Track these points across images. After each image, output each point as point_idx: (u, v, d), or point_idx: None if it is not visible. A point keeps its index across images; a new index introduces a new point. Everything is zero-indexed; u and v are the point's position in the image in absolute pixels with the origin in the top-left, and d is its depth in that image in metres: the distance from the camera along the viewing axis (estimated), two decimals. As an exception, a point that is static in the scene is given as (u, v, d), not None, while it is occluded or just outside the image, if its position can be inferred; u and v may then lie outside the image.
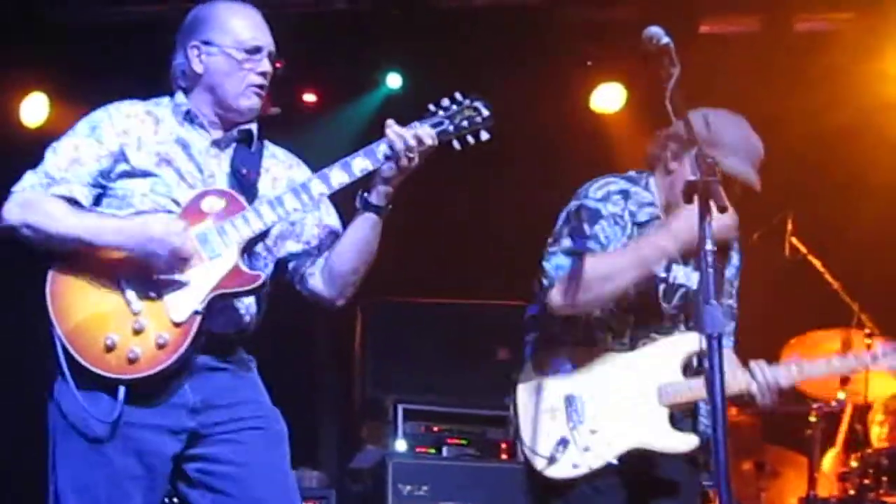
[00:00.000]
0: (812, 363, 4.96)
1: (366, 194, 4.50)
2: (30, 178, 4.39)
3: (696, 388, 4.88)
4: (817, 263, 7.41)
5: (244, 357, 4.55)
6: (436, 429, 8.07)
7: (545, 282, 4.91)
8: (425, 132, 4.39)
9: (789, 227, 7.18)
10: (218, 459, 4.38)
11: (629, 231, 4.96)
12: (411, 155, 4.38)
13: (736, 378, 4.84)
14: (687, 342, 4.97)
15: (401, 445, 7.96)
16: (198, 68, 4.53)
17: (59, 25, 9.13)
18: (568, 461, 4.90)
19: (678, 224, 4.72)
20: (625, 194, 5.00)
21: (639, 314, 5.01)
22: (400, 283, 8.98)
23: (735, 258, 5.14)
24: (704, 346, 4.63)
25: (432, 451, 7.99)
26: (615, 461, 4.88)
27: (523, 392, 5.07)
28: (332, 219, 4.71)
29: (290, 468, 4.53)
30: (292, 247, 4.66)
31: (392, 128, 4.39)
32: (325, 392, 9.84)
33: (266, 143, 4.69)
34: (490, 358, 7.86)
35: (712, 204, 3.93)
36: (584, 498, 4.91)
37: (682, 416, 4.99)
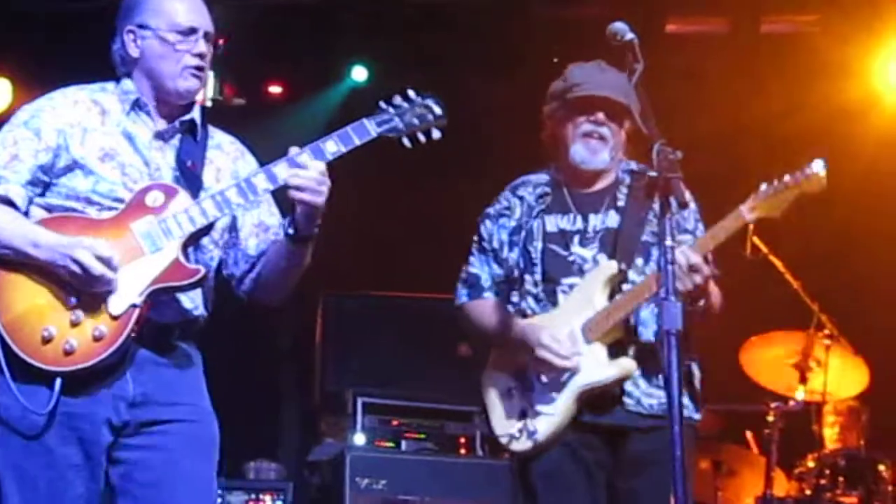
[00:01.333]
0: (699, 240, 4.91)
1: (288, 227, 4.41)
2: None
3: (609, 311, 4.98)
4: (778, 263, 7.43)
5: (190, 352, 4.49)
6: (395, 423, 8.08)
7: (455, 301, 5.37)
8: (319, 165, 4.29)
9: (751, 227, 7.18)
10: (141, 464, 4.33)
11: (519, 214, 5.25)
12: (317, 188, 4.29)
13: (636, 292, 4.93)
14: (599, 274, 5.07)
15: (359, 439, 7.96)
16: (134, 53, 4.46)
17: (23, 12, 9.07)
18: (526, 431, 5.02)
19: (523, 343, 5.03)
20: (514, 187, 5.34)
21: (550, 272, 5.14)
22: (361, 277, 9.00)
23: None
24: (615, 269, 5.01)
25: (391, 444, 8.00)
26: (563, 413, 4.97)
27: (486, 385, 5.23)
28: (273, 218, 4.63)
29: (215, 478, 4.50)
30: (233, 243, 4.61)
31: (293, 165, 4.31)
32: (285, 385, 9.83)
33: (211, 131, 4.64)
34: (450, 353, 7.87)
35: (672, 199, 3.97)
36: (556, 460, 5.01)
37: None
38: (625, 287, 5.03)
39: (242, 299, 4.68)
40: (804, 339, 7.73)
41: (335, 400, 8.22)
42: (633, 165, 5.22)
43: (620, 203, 5.18)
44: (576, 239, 5.16)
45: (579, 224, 5.18)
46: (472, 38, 8.96)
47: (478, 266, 5.32)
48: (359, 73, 9.44)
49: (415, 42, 8.94)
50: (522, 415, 5.05)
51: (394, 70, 9.05)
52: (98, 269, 4.16)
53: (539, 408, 5.03)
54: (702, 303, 4.90)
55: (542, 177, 5.32)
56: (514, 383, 5.13)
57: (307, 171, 4.26)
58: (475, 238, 5.36)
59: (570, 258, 5.14)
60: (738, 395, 7.98)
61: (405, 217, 9.23)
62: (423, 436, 8.04)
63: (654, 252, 5.01)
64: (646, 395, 5.01)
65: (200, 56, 4.45)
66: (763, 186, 5.00)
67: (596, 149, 5.16)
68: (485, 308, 5.27)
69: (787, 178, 5.02)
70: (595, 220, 5.18)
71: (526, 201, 5.27)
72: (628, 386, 5.00)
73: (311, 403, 8.75)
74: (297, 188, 4.26)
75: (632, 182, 5.20)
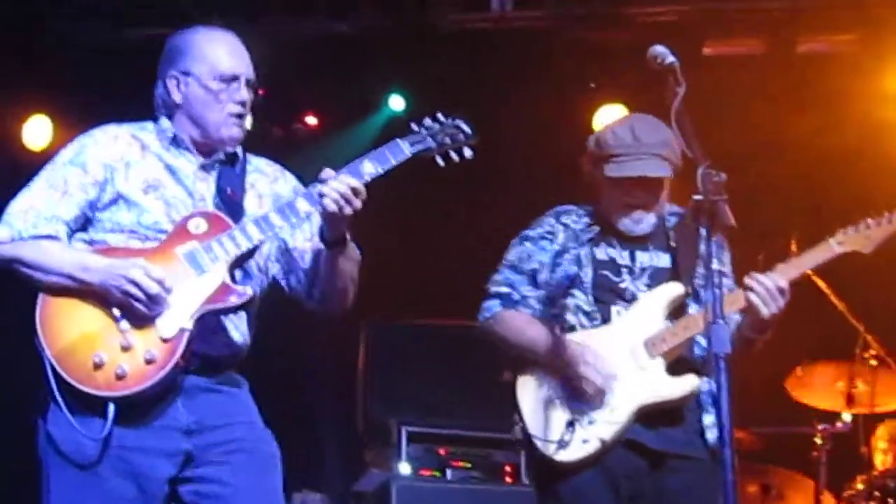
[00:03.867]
0: (781, 267, 4.97)
1: (325, 235, 4.49)
2: (18, 218, 4.38)
3: (676, 330, 5.03)
4: (822, 284, 7.38)
5: (236, 377, 4.55)
6: (440, 451, 8.04)
7: (479, 316, 5.42)
8: (350, 181, 4.34)
9: (793, 248, 7.13)
10: (210, 480, 4.36)
11: (563, 239, 5.27)
12: (344, 204, 4.34)
13: (734, 296, 4.92)
14: (663, 293, 5.12)
15: (404, 468, 7.93)
16: (177, 98, 4.55)
17: (62, 48, 9.14)
18: (578, 439, 4.99)
19: (566, 358, 5.03)
20: (558, 213, 5.37)
21: (601, 296, 5.17)
22: (404, 305, 9.00)
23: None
24: (681, 290, 5.06)
25: (436, 473, 7.96)
26: (623, 424, 4.97)
27: (522, 389, 5.20)
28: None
29: (281, 491, 4.52)
30: (285, 264, 4.66)
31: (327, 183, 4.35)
32: (328, 414, 9.81)
33: (249, 157, 4.70)
34: (495, 380, 7.84)
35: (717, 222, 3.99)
36: (588, 480, 5.00)
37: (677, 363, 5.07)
38: (689, 311, 5.07)
39: (315, 313, 4.71)
40: (849, 363, 7.70)
41: (379, 429, 8.20)
42: (677, 209, 5.26)
43: (671, 243, 5.21)
44: (625, 272, 5.19)
45: (627, 260, 5.21)
46: (510, 65, 8.96)
47: (509, 283, 5.32)
48: (396, 103, 9.45)
49: (452, 70, 8.94)
50: (570, 423, 5.01)
51: (431, 99, 9.04)
52: (154, 287, 4.21)
53: (595, 416, 5.00)
54: (768, 335, 4.97)
55: (588, 208, 5.34)
56: (559, 392, 5.09)
57: (333, 182, 4.31)
58: (507, 258, 5.37)
59: (622, 285, 5.17)
60: (784, 417, 7.93)
61: (446, 245, 9.22)
62: (468, 464, 8.00)
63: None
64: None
65: (242, 104, 4.53)
66: (860, 223, 5.05)
67: (639, 219, 5.21)
68: (520, 319, 5.27)
69: (886, 216, 5.04)
70: (643, 257, 5.21)
71: (571, 228, 5.29)
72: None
73: (353, 433, 8.74)
74: (321, 194, 4.32)
75: (678, 223, 5.22)
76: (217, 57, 4.52)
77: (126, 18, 9.14)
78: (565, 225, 5.31)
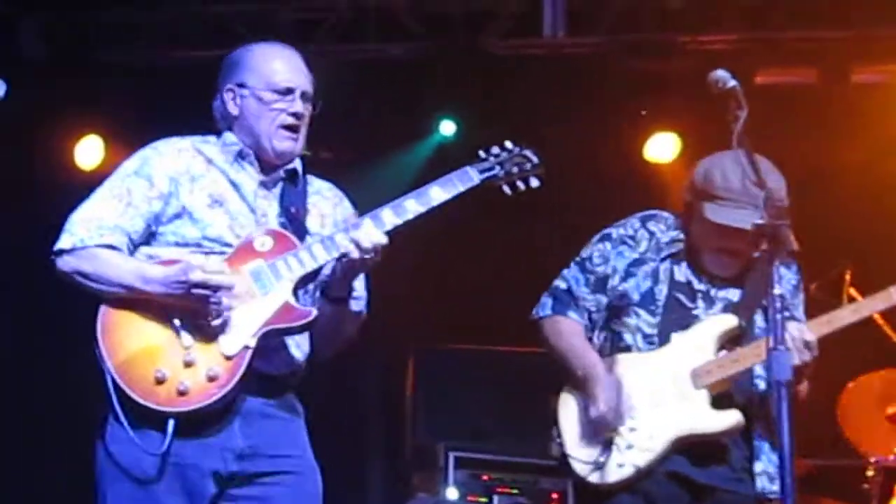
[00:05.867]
0: (838, 313, 4.92)
1: (327, 288, 4.48)
2: (81, 226, 4.38)
3: (724, 363, 4.94)
4: (877, 316, 7.33)
5: (296, 404, 4.54)
6: (487, 477, 8.03)
7: (533, 311, 5.32)
8: (375, 233, 4.32)
9: (847, 278, 7.10)
10: (251, 499, 4.37)
11: (645, 248, 5.15)
12: (368, 256, 4.32)
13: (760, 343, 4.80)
14: (717, 324, 5.03)
15: (452, 493, 7.93)
16: (233, 111, 4.57)
17: (113, 68, 9.20)
18: (613, 463, 4.93)
19: (601, 386, 4.97)
20: (645, 219, 5.23)
21: (669, 319, 5.08)
22: (451, 330, 8.98)
23: (787, 276, 5.12)
24: (735, 322, 4.94)
25: (483, 499, 7.95)
26: (660, 453, 4.90)
27: (563, 406, 5.17)
28: None
29: None
30: None
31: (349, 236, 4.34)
32: (375, 439, 9.81)
33: (310, 178, 4.71)
34: (542, 406, 7.81)
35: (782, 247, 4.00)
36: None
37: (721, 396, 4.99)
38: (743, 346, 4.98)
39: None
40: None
41: (426, 454, 8.19)
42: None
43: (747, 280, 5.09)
44: (699, 297, 5.09)
45: (704, 286, 5.10)
46: (561, 91, 8.95)
47: (572, 282, 5.24)
48: (447, 128, 9.44)
49: (503, 95, 8.95)
50: (607, 446, 4.95)
51: (482, 124, 9.05)
52: (217, 278, 4.20)
53: (632, 441, 4.93)
54: (801, 387, 4.87)
55: (678, 221, 5.21)
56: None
57: (360, 232, 4.29)
58: (582, 254, 5.28)
59: (695, 311, 5.08)
60: (835, 447, 7.86)
61: (494, 271, 9.21)
62: (515, 491, 7.98)
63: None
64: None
65: (296, 116, 4.52)
66: None
67: (728, 265, 5.08)
68: (564, 329, 5.21)
69: None
70: (718, 291, 5.11)
71: (656, 238, 5.17)
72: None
73: (402, 458, 8.74)
74: (353, 241, 4.29)
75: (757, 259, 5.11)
76: (272, 69, 4.54)
77: (178, 40, 9.19)
78: (651, 232, 5.18)
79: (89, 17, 9.17)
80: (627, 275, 5.13)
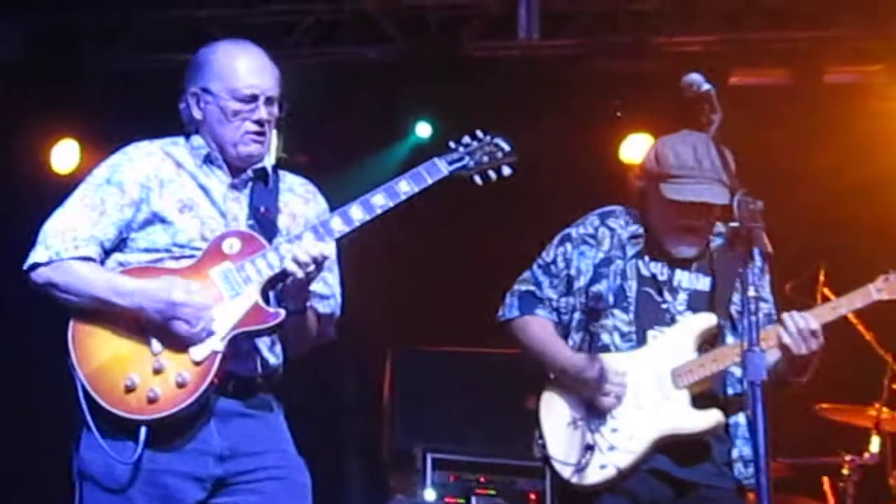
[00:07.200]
0: (817, 310, 4.94)
1: (283, 300, 4.44)
2: (55, 238, 4.36)
3: (705, 363, 4.96)
4: (850, 315, 7.36)
5: (271, 401, 4.52)
6: (465, 478, 8.03)
7: (498, 313, 5.31)
8: (311, 247, 4.28)
9: (821, 278, 7.12)
10: None
11: (608, 246, 5.15)
12: (310, 270, 4.29)
13: (767, 332, 4.79)
14: (696, 323, 5.04)
15: (429, 495, 7.94)
16: (197, 115, 4.53)
17: (90, 71, 9.18)
18: (595, 464, 4.93)
19: (589, 370, 4.96)
20: (603, 216, 5.24)
21: (643, 315, 5.08)
22: (429, 332, 8.98)
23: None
24: (714, 322, 4.95)
25: (461, 500, 7.97)
26: (641, 454, 4.91)
27: (545, 408, 5.15)
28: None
29: None
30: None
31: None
32: (353, 440, 9.82)
33: (283, 174, 4.68)
34: (519, 407, 7.83)
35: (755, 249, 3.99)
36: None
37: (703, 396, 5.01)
38: (727, 341, 5.01)
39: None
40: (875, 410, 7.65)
41: (404, 455, 8.20)
42: (722, 229, 5.15)
43: (713, 267, 5.12)
44: (665, 289, 5.11)
45: (666, 275, 5.12)
46: (536, 93, 8.97)
47: (536, 284, 5.23)
48: (423, 130, 9.45)
49: (479, 97, 8.95)
50: (589, 447, 4.94)
51: (458, 126, 9.03)
52: (199, 298, 4.21)
53: (614, 442, 4.94)
54: (805, 377, 4.92)
55: (635, 214, 5.23)
56: (580, 413, 5.03)
57: (307, 246, 4.26)
58: (542, 257, 5.27)
59: (664, 305, 5.09)
60: (811, 447, 7.88)
61: (470, 272, 9.21)
62: (493, 492, 8.00)
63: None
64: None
65: (259, 123, 4.48)
66: None
67: (691, 243, 5.11)
68: (536, 328, 5.21)
69: None
70: (682, 276, 5.13)
71: (617, 235, 5.17)
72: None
73: (379, 459, 8.74)
74: (293, 258, 4.27)
75: (722, 245, 5.14)
76: (235, 74, 4.47)
77: (154, 44, 9.18)
78: (611, 229, 5.19)
79: (66, 21, 9.15)
80: (598, 276, 5.14)
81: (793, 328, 4.81)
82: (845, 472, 7.54)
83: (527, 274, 5.28)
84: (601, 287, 5.11)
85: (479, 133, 4.60)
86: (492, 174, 4.56)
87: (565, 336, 5.19)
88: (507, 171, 4.56)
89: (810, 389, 7.73)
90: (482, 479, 8.03)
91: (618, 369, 4.97)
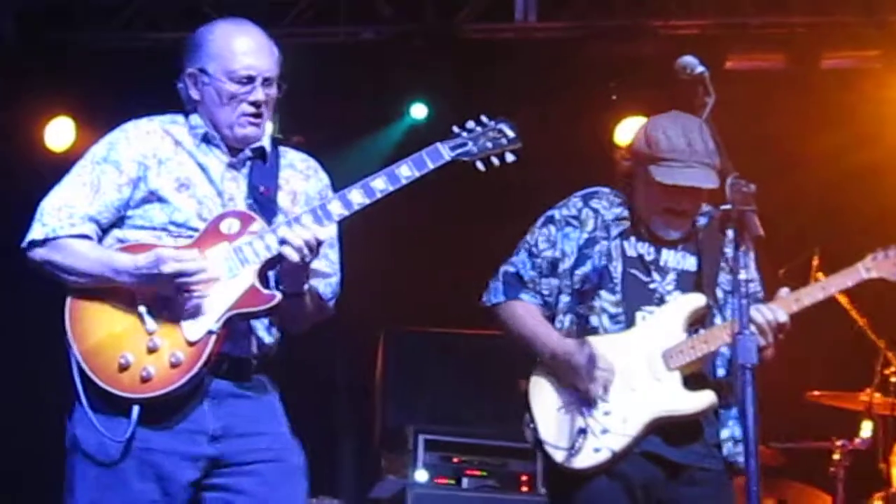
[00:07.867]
0: (807, 290, 4.96)
1: (280, 283, 4.42)
2: (52, 216, 4.36)
3: (696, 344, 4.96)
4: (843, 300, 7.36)
5: (265, 382, 4.50)
6: (456, 460, 8.04)
7: (483, 297, 5.28)
8: (310, 232, 4.25)
9: (815, 263, 7.12)
10: (238, 490, 4.34)
11: (592, 227, 5.13)
12: (306, 254, 4.26)
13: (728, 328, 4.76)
14: (685, 304, 5.04)
15: (421, 476, 7.93)
16: (195, 95, 4.51)
17: (85, 50, 9.17)
18: (589, 447, 4.92)
19: (578, 356, 4.94)
20: (587, 197, 5.22)
21: (630, 296, 5.07)
22: (421, 314, 8.98)
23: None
24: (703, 302, 4.96)
25: (452, 482, 7.96)
26: (635, 436, 4.91)
27: (535, 391, 5.14)
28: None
29: (306, 502, 4.51)
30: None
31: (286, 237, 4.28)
32: (345, 421, 9.82)
33: (283, 150, 4.65)
34: (511, 389, 7.84)
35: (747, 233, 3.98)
36: (604, 488, 4.94)
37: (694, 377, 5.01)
38: (715, 321, 5.02)
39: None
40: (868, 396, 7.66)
41: (396, 436, 8.20)
42: (707, 209, 5.16)
43: (699, 246, 5.13)
44: (652, 269, 5.10)
45: (653, 254, 5.11)
46: (532, 75, 8.96)
47: (521, 267, 5.21)
48: (418, 111, 9.44)
49: (474, 79, 8.95)
50: (582, 431, 4.93)
51: (453, 108, 9.04)
52: (192, 264, 4.19)
53: (607, 425, 4.93)
54: (766, 355, 4.88)
55: (620, 195, 5.21)
56: (572, 397, 5.02)
57: (302, 230, 4.24)
58: (527, 240, 5.25)
59: (652, 285, 5.09)
60: (802, 432, 7.90)
61: (465, 254, 9.20)
62: (484, 473, 8.00)
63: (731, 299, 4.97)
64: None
65: (255, 104, 4.46)
66: (890, 249, 5.03)
67: (678, 225, 5.12)
68: (521, 312, 5.19)
69: None
70: (668, 256, 5.13)
71: (601, 216, 5.16)
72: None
73: (369, 439, 8.74)
74: (282, 241, 4.25)
75: (708, 225, 5.15)
76: (232, 55, 4.44)
77: (148, 21, 9.17)
78: (595, 210, 5.17)
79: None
80: (582, 257, 5.13)
81: (762, 320, 4.82)
82: (836, 456, 7.56)
83: (513, 257, 5.27)
84: (586, 269, 5.10)
85: (483, 118, 4.53)
86: (495, 160, 4.50)
87: (552, 318, 5.17)
88: (510, 157, 4.50)
89: (803, 375, 7.85)
90: (474, 461, 8.02)
91: (606, 355, 4.95)
